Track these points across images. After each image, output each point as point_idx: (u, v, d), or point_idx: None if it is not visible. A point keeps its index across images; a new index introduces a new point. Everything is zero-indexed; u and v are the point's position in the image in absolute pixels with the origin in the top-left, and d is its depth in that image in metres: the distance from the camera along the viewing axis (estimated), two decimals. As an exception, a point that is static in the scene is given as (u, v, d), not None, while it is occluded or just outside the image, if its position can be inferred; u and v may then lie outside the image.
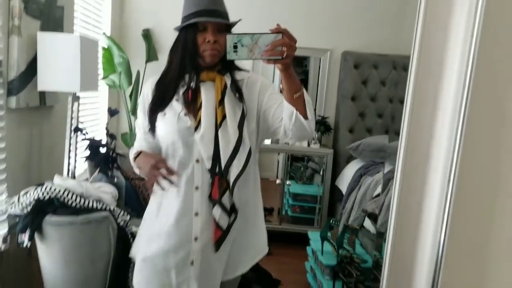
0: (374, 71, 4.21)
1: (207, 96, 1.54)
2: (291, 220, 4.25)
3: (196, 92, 1.55)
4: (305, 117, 1.43)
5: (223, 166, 1.51)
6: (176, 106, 1.55)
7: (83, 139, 2.61)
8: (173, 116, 1.54)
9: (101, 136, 3.49)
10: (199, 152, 1.53)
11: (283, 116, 1.48)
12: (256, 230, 1.72)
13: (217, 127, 1.51)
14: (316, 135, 4.16)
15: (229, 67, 1.58)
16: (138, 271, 1.63)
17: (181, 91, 1.56)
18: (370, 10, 4.20)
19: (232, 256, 1.66)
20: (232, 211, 1.57)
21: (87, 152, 2.75)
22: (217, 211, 1.54)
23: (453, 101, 1.18)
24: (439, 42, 1.20)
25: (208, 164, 1.52)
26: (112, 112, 3.02)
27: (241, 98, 1.56)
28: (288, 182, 4.24)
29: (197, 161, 1.55)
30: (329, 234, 3.08)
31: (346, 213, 3.53)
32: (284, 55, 1.30)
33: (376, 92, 4.24)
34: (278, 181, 4.22)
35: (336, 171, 4.20)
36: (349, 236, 2.93)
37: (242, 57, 1.31)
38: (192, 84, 1.55)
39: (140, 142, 1.68)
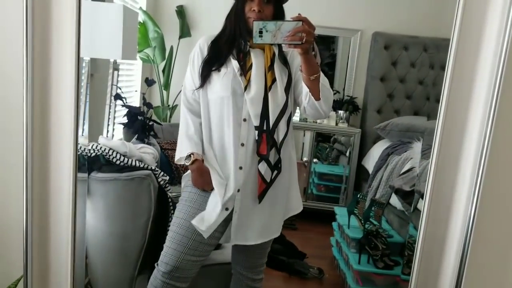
0: (404, 53, 4.22)
1: (257, 60, 1.66)
2: (316, 199, 4.31)
3: (245, 57, 1.67)
4: (317, 98, 1.59)
5: (271, 125, 1.64)
6: (233, 64, 1.67)
7: (122, 106, 2.70)
8: (228, 73, 1.67)
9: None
10: (247, 111, 1.65)
11: (302, 95, 1.64)
12: (294, 186, 1.86)
13: (266, 89, 1.64)
14: (344, 115, 4.21)
15: None
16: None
17: (234, 52, 1.69)
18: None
19: (269, 215, 1.78)
20: (275, 167, 1.68)
21: (125, 120, 2.85)
22: (263, 166, 1.67)
23: (488, 82, 1.24)
24: (478, 25, 1.25)
25: (256, 122, 1.64)
26: (149, 82, 3.11)
27: (287, 66, 1.69)
28: (314, 160, 4.30)
29: (244, 120, 1.66)
30: (355, 209, 3.13)
31: (372, 191, 3.58)
32: (303, 40, 1.44)
33: (405, 74, 4.25)
34: (305, 158, 4.28)
35: (363, 151, 4.24)
36: (376, 210, 2.98)
37: (266, 41, 1.46)
38: (243, 48, 1.68)
39: (186, 109, 1.83)
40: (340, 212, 3.37)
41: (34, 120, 1.29)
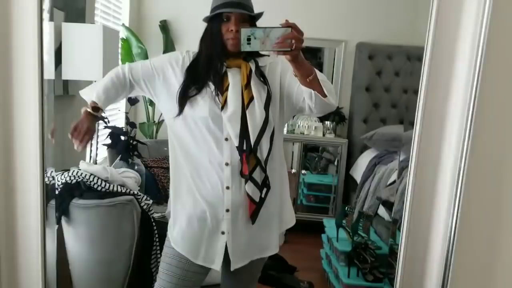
0: (389, 62, 4.24)
1: (234, 80, 1.64)
2: (306, 210, 4.30)
3: (222, 77, 1.65)
4: (323, 95, 1.54)
5: (252, 144, 1.61)
6: (210, 86, 1.65)
7: (105, 127, 2.68)
8: (206, 96, 1.64)
9: (119, 126, 3.55)
10: (227, 131, 1.63)
11: (305, 97, 1.59)
12: (287, 201, 1.84)
13: (244, 107, 1.62)
14: (331, 125, 4.21)
15: (253, 54, 1.68)
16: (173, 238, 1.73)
17: (211, 75, 1.66)
18: (384, 1, 4.22)
19: (264, 233, 1.75)
20: (263, 185, 1.66)
21: (108, 140, 2.82)
22: (249, 186, 1.64)
23: (464, 91, 1.23)
24: (451, 34, 1.24)
25: (236, 142, 1.62)
26: (132, 101, 3.09)
27: (265, 81, 1.67)
28: (303, 171, 4.30)
29: (226, 139, 1.64)
30: (344, 221, 3.13)
31: (360, 202, 3.58)
32: (293, 47, 1.41)
33: (390, 83, 4.28)
34: (293, 171, 4.27)
35: (351, 161, 4.25)
36: (364, 223, 2.98)
37: (254, 48, 1.43)
38: (219, 70, 1.65)
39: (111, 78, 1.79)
40: (329, 225, 3.35)
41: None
